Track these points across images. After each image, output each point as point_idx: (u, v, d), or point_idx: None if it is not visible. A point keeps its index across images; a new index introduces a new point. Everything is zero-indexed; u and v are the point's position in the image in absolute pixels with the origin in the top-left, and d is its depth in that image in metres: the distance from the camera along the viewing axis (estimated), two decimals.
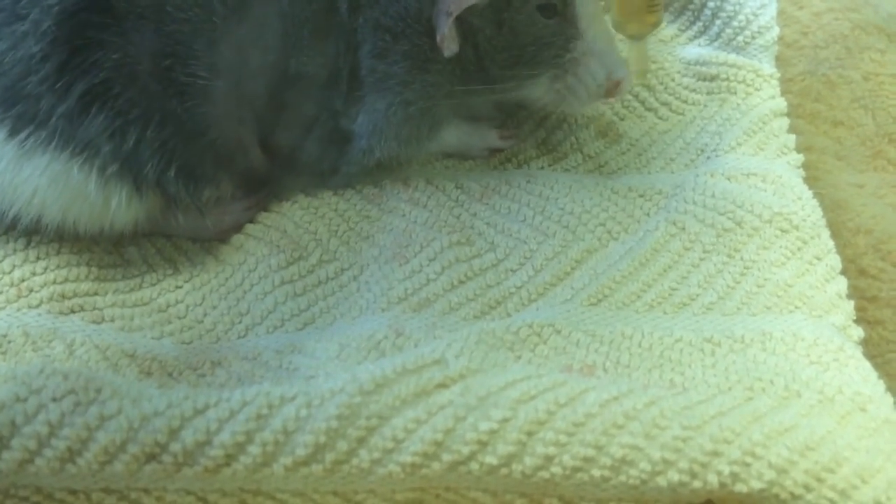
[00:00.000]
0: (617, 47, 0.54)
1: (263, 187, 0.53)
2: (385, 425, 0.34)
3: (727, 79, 0.60)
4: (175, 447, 0.34)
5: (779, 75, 0.61)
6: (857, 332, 0.46)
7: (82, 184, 0.45)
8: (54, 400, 0.35)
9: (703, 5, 0.64)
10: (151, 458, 0.34)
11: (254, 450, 0.34)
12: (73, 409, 0.34)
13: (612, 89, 0.52)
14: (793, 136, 0.57)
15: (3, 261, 0.48)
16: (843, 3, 0.69)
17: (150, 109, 0.45)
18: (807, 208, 0.51)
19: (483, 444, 0.34)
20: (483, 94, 0.52)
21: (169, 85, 0.46)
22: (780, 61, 0.64)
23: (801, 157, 0.56)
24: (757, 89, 0.60)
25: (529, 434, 0.34)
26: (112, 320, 0.47)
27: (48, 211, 0.46)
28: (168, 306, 0.49)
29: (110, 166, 0.46)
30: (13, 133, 0.45)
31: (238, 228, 0.52)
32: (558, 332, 0.44)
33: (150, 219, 0.50)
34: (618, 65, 0.52)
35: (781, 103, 0.59)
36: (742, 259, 0.48)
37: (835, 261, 0.49)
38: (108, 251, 0.51)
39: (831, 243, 0.50)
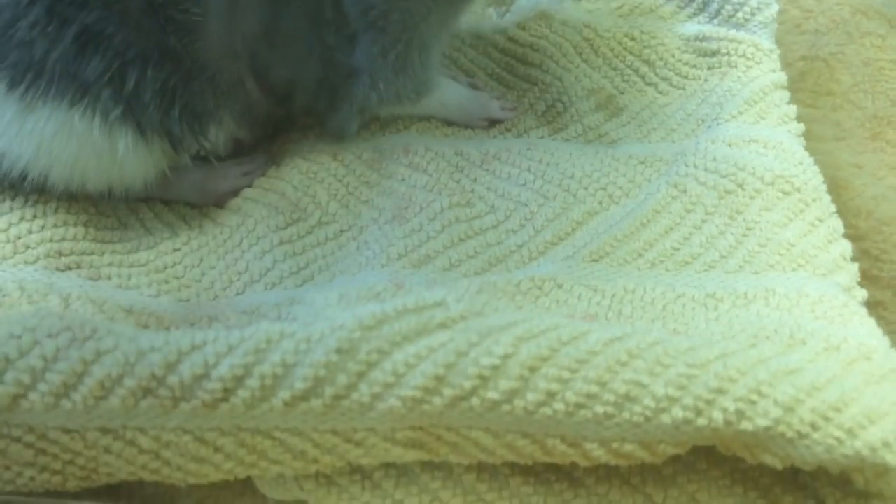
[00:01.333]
0: None
1: (266, 132, 0.52)
2: (386, 360, 0.34)
3: (727, 53, 0.60)
4: (172, 381, 0.33)
5: (779, 52, 0.61)
6: (861, 294, 0.46)
7: (87, 131, 0.45)
8: (49, 336, 0.34)
9: None
10: (148, 392, 0.33)
11: (252, 383, 0.33)
12: (68, 345, 0.34)
13: None
14: (794, 107, 0.57)
15: None
16: None
17: (146, 49, 0.45)
18: (808, 172, 0.50)
19: (485, 379, 0.34)
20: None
21: (163, 23, 0.45)
22: (781, 45, 0.64)
23: (801, 127, 0.55)
24: (757, 62, 0.60)
25: (532, 370, 0.34)
26: (109, 278, 0.46)
27: (56, 163, 0.46)
28: (165, 267, 0.48)
29: (113, 111, 0.45)
30: (13, 86, 0.45)
31: (236, 194, 0.52)
32: (560, 286, 0.43)
33: (157, 175, 0.49)
34: None
35: (782, 76, 0.59)
36: (744, 220, 0.48)
37: (837, 223, 0.49)
38: (106, 214, 0.51)
39: (833, 207, 0.50)
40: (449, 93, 0.55)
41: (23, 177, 0.47)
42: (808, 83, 0.65)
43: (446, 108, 0.56)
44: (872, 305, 0.52)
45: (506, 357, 0.34)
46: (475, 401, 0.34)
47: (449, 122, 0.57)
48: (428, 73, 0.53)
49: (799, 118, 0.57)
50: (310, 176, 0.52)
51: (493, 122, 0.58)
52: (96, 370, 0.33)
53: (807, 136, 0.57)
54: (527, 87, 0.60)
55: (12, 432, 0.35)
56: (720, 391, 0.34)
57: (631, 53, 0.62)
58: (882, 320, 0.51)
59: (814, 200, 0.49)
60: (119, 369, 0.33)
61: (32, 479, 0.37)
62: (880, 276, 0.55)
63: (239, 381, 0.33)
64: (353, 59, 0.50)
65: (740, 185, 0.49)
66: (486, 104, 0.57)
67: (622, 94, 0.61)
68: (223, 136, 0.51)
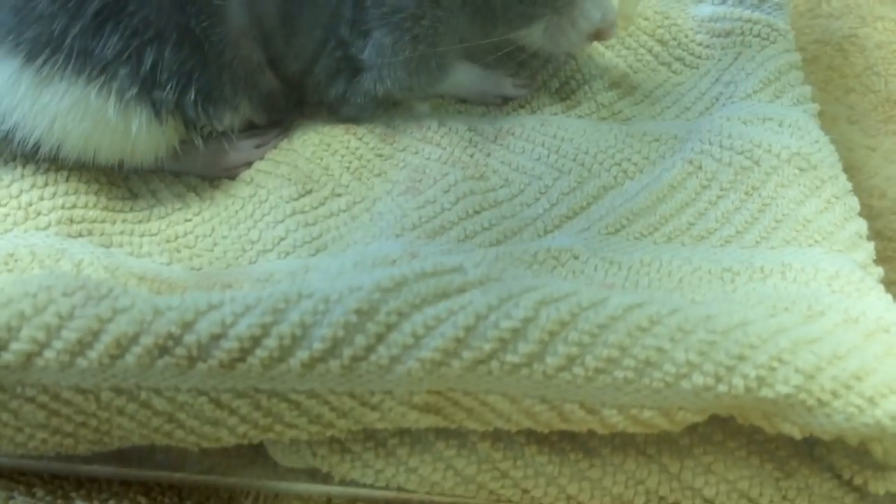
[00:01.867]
0: None
1: (281, 116, 0.52)
2: (405, 322, 0.33)
3: (742, 33, 0.60)
4: (189, 339, 0.33)
5: (793, 32, 0.61)
6: (878, 272, 0.45)
7: (101, 109, 0.45)
8: (65, 294, 0.34)
9: None
10: (164, 351, 0.33)
11: (270, 343, 0.33)
12: (84, 303, 0.34)
13: (602, 32, 0.52)
14: (808, 87, 0.56)
15: (10, 185, 0.47)
16: None
17: (165, 29, 0.45)
18: (824, 150, 0.50)
19: (504, 343, 0.33)
20: (486, 34, 0.51)
21: (184, 4, 0.45)
22: (794, 29, 0.64)
23: (816, 107, 0.55)
24: (772, 42, 0.59)
25: (552, 333, 0.34)
26: (121, 245, 0.46)
27: (69, 138, 0.46)
28: (177, 237, 0.48)
29: (129, 90, 0.45)
30: (30, 59, 0.44)
31: (248, 166, 0.52)
32: (576, 257, 0.43)
33: (168, 150, 0.49)
34: (610, 7, 0.52)
35: (796, 57, 0.58)
36: (760, 196, 0.48)
37: (853, 202, 0.48)
38: (117, 184, 0.50)
39: (849, 185, 0.49)
40: (462, 75, 0.55)
41: (35, 149, 0.47)
42: (821, 66, 0.64)
43: (460, 88, 0.56)
44: (887, 285, 0.52)
45: (526, 320, 0.34)
46: (494, 364, 0.33)
47: (462, 100, 0.57)
48: (443, 71, 0.53)
49: (813, 100, 0.56)
50: (322, 148, 0.51)
51: (507, 100, 0.57)
52: (112, 328, 0.33)
53: (820, 118, 0.57)
54: (540, 64, 0.60)
55: (26, 392, 0.34)
56: (741, 358, 0.34)
57: (644, 33, 0.62)
58: None
59: (830, 178, 0.49)
60: (135, 327, 0.33)
61: (44, 441, 0.37)
62: (894, 256, 0.55)
63: (256, 340, 0.33)
64: (364, 54, 0.50)
65: (756, 162, 0.49)
66: (500, 82, 0.57)
67: (635, 72, 0.60)
68: (238, 121, 0.51)
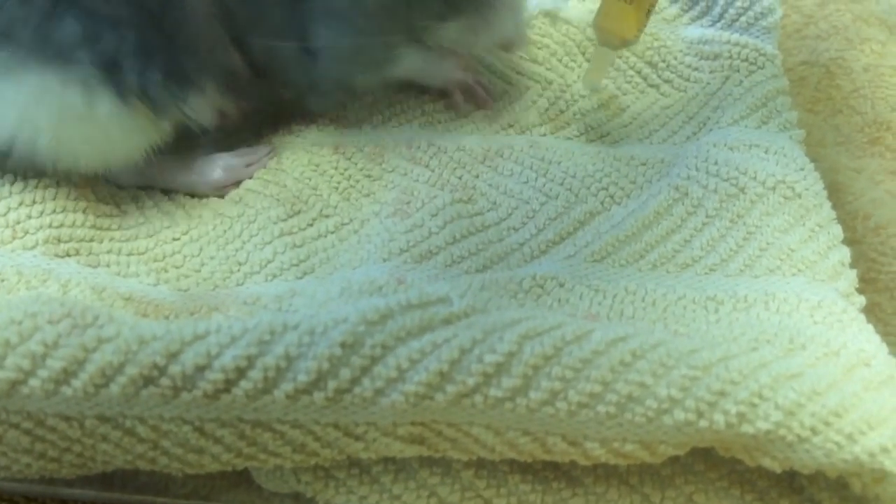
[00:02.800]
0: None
1: (254, 105, 0.51)
2: (389, 355, 0.34)
3: (730, 57, 0.60)
4: (174, 370, 0.33)
5: (781, 57, 0.62)
6: (860, 301, 0.46)
7: (65, 96, 0.43)
8: (50, 322, 0.34)
9: None
10: (149, 381, 0.33)
11: (255, 375, 0.33)
12: (69, 332, 0.34)
13: (512, 43, 0.53)
14: (795, 113, 0.57)
15: None
16: None
17: (122, 8, 0.44)
18: (809, 178, 0.50)
19: (488, 377, 0.34)
20: (408, 23, 0.51)
21: None
22: (781, 50, 0.64)
23: (802, 133, 0.56)
24: (760, 67, 0.60)
25: (535, 368, 0.34)
26: (108, 265, 0.46)
27: (39, 133, 0.44)
28: (164, 256, 0.48)
29: (90, 74, 0.44)
30: None
31: (237, 185, 0.52)
32: (561, 285, 0.43)
33: (148, 145, 0.48)
34: (523, 23, 0.53)
35: (784, 82, 0.59)
36: (745, 224, 0.48)
37: (837, 230, 0.49)
38: (105, 202, 0.50)
39: (833, 213, 0.50)
40: (409, 61, 0.54)
41: (8, 150, 0.45)
42: (808, 88, 0.65)
43: (410, 72, 0.55)
44: (869, 308, 0.53)
45: (510, 355, 0.34)
46: (478, 398, 0.34)
47: (423, 89, 0.57)
48: (390, 58, 0.52)
49: (799, 122, 0.57)
50: (311, 168, 0.52)
51: (457, 86, 0.57)
52: (97, 357, 0.33)
53: (806, 140, 0.58)
54: (530, 83, 0.60)
55: (10, 418, 0.34)
56: (722, 394, 0.34)
57: (633, 55, 0.62)
58: (879, 322, 0.52)
59: (815, 206, 0.49)
60: (120, 357, 0.33)
61: (28, 465, 0.37)
62: (878, 278, 0.56)
63: (241, 372, 0.33)
64: (314, 39, 0.49)
65: (742, 190, 0.49)
66: (450, 69, 0.57)
67: (624, 94, 0.61)
68: (206, 106, 0.49)
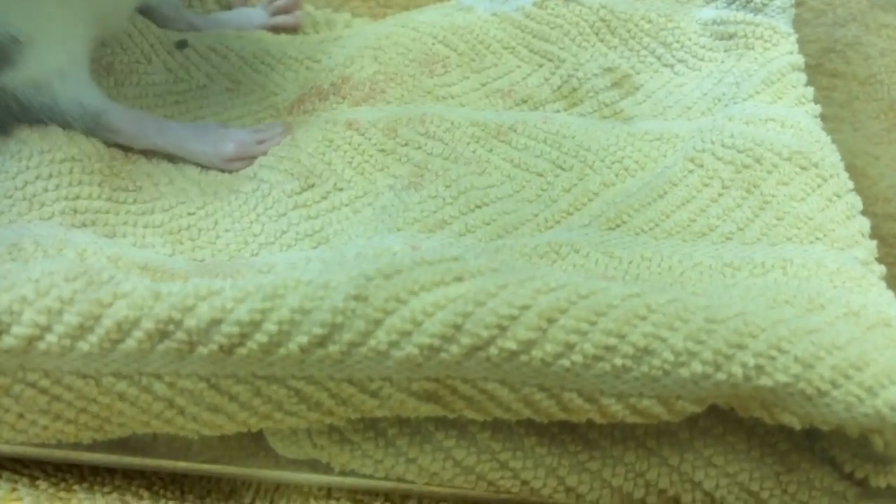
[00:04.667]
0: None
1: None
2: (403, 307, 0.33)
3: (745, 36, 0.60)
4: (189, 324, 0.33)
5: (796, 35, 0.61)
6: (880, 269, 0.45)
7: None
8: (67, 280, 0.34)
9: None
10: (164, 335, 0.33)
11: (269, 327, 0.33)
12: (85, 288, 0.34)
13: None
14: (811, 89, 0.56)
15: (15, 177, 0.47)
16: None
17: None
18: (825, 150, 0.50)
19: (502, 329, 0.33)
20: None
21: None
22: (799, 38, 0.64)
23: (818, 108, 0.55)
24: (774, 44, 0.59)
25: (550, 320, 0.34)
26: (124, 236, 0.46)
27: None
28: (180, 229, 0.48)
29: None
30: None
31: (251, 162, 0.52)
32: (576, 251, 0.43)
33: None
34: None
35: (799, 58, 0.58)
36: (762, 193, 0.48)
37: (855, 200, 0.48)
38: (121, 176, 0.51)
39: (850, 184, 0.49)
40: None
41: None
42: (825, 73, 0.65)
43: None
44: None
45: (524, 307, 0.34)
46: (492, 350, 0.33)
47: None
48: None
49: (815, 101, 0.56)
50: (325, 143, 0.52)
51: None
52: (113, 312, 0.33)
53: (824, 126, 0.57)
54: (542, 61, 0.60)
55: (27, 377, 0.35)
56: (739, 346, 0.34)
57: (647, 35, 0.62)
58: None
59: (831, 176, 0.49)
60: (136, 311, 0.33)
61: (45, 427, 0.37)
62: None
63: (256, 325, 0.33)
64: None
65: (757, 160, 0.49)
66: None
67: (638, 73, 0.60)
68: None
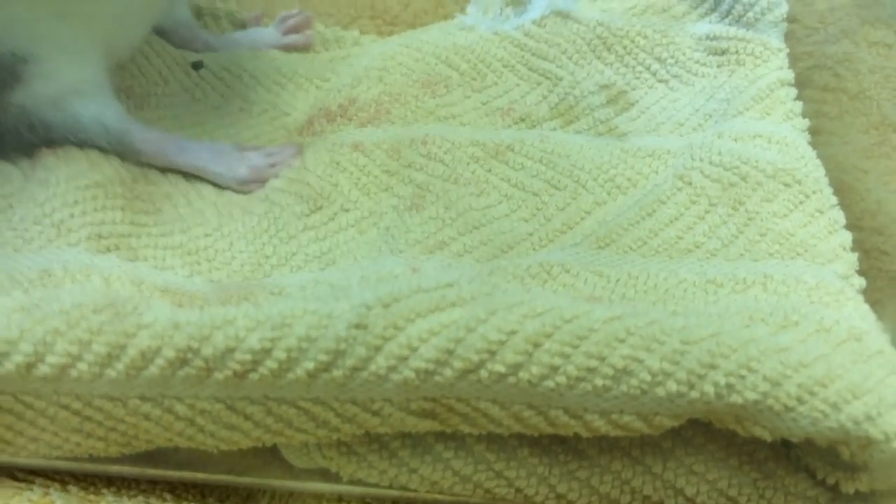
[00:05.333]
0: None
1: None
2: (400, 334, 0.37)
3: (736, 52, 0.62)
4: (206, 352, 0.36)
5: (787, 50, 0.63)
6: (859, 282, 0.48)
7: None
8: (95, 312, 0.38)
9: None
10: (184, 363, 0.37)
11: (279, 354, 0.36)
12: (112, 319, 0.37)
13: None
14: (799, 103, 0.59)
15: (43, 204, 0.50)
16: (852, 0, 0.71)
17: None
18: (809, 165, 0.52)
19: (492, 353, 0.36)
20: None
21: None
22: (791, 54, 0.65)
23: (806, 122, 0.57)
24: (765, 61, 0.61)
25: (535, 345, 0.37)
26: (145, 259, 0.50)
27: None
28: (198, 250, 0.51)
29: None
30: None
31: (263, 185, 0.55)
32: (567, 270, 0.46)
33: None
34: None
35: (789, 74, 0.60)
36: (746, 210, 0.50)
37: (838, 215, 0.51)
38: (142, 199, 0.54)
39: (834, 199, 0.52)
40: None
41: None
42: (816, 88, 0.66)
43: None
44: (871, 304, 0.54)
45: (511, 333, 0.37)
46: (483, 373, 0.36)
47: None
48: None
49: (803, 115, 0.58)
50: (333, 166, 0.55)
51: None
52: (137, 342, 0.37)
53: (813, 140, 0.59)
54: (540, 79, 0.63)
55: (61, 400, 0.38)
56: (711, 366, 0.36)
57: (643, 51, 0.64)
58: (881, 319, 0.53)
59: (814, 192, 0.51)
60: (157, 341, 0.36)
61: (78, 444, 0.40)
62: (879, 275, 0.57)
63: (266, 352, 0.36)
64: None
65: (743, 178, 0.51)
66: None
67: (633, 89, 0.63)
68: None
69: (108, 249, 0.49)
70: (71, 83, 0.52)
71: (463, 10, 0.69)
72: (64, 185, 0.51)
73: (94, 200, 0.51)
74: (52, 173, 0.51)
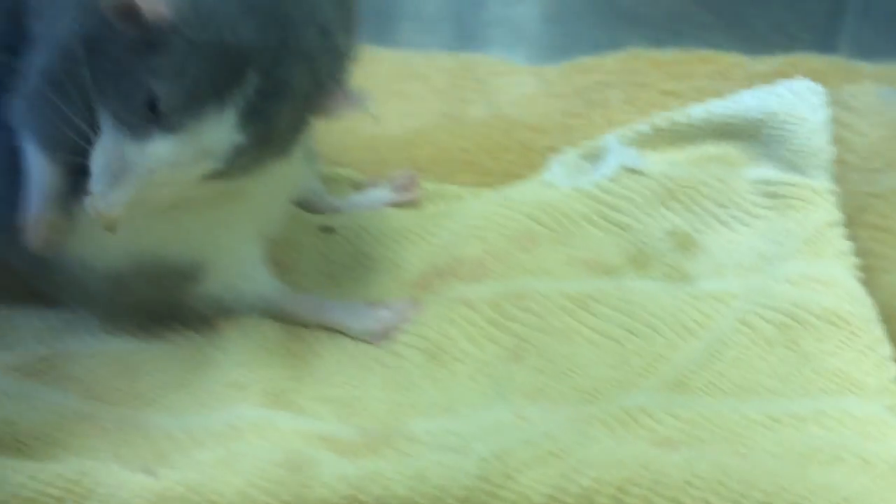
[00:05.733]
0: None
1: None
2: (513, 483, 0.47)
3: (786, 196, 0.70)
4: (364, 499, 0.48)
5: (836, 190, 0.71)
6: None
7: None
8: (277, 465, 0.50)
9: (761, 132, 0.75)
10: None
11: (419, 500, 0.47)
12: (292, 472, 0.49)
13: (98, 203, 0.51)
14: (848, 243, 0.67)
15: (222, 366, 0.63)
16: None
17: None
18: (856, 304, 0.61)
19: (589, 500, 0.46)
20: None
21: None
22: (841, 182, 0.71)
23: (855, 260, 0.65)
24: (814, 204, 0.70)
25: (623, 491, 0.46)
26: (302, 410, 0.61)
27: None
28: (343, 399, 0.62)
29: None
30: None
31: (391, 335, 0.67)
32: (649, 415, 0.55)
33: None
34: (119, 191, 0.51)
35: (836, 214, 0.68)
36: (801, 350, 0.59)
37: (885, 350, 0.58)
38: (299, 356, 0.64)
39: (882, 335, 0.60)
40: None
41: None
42: (868, 218, 0.72)
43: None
44: None
45: (598, 479, 0.46)
46: None
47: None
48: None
49: (859, 251, 0.66)
50: (447, 321, 0.65)
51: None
52: (312, 493, 0.48)
53: (869, 266, 0.65)
54: (617, 230, 0.73)
55: None
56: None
57: (706, 197, 0.73)
58: None
59: (863, 331, 0.59)
60: (328, 491, 0.48)
61: None
62: None
63: (411, 500, 0.47)
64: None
65: (797, 321, 0.60)
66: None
67: (699, 233, 0.72)
68: None
69: (277, 406, 0.61)
70: (239, 272, 0.65)
71: (543, 158, 0.81)
72: (237, 347, 0.64)
73: (264, 360, 0.63)
74: (228, 341, 0.64)
